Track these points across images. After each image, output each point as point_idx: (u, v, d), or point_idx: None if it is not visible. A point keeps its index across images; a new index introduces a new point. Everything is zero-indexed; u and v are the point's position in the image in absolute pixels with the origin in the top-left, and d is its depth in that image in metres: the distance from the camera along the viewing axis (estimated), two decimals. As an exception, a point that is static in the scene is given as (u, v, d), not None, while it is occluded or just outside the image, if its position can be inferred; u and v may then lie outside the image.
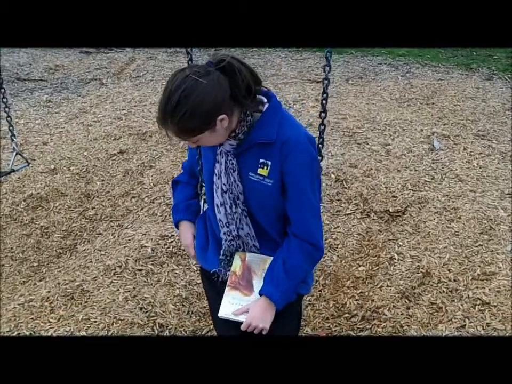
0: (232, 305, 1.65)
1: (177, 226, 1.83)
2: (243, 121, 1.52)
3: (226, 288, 1.67)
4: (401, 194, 3.39)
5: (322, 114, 1.80)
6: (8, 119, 3.09)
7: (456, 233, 2.98)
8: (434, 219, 3.12)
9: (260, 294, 1.61)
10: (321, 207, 1.67)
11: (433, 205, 3.26)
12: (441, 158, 3.87)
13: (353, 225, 3.17)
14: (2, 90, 3.03)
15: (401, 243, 2.95)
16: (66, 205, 3.59)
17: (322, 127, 1.82)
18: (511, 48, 5.89)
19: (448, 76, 5.83)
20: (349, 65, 6.28)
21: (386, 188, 3.46)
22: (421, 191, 3.42)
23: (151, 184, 3.72)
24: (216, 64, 1.42)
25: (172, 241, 3.05)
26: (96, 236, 3.32)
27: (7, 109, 3.06)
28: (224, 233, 1.68)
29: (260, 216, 1.63)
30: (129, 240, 3.12)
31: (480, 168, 3.73)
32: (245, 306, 1.63)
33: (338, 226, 3.19)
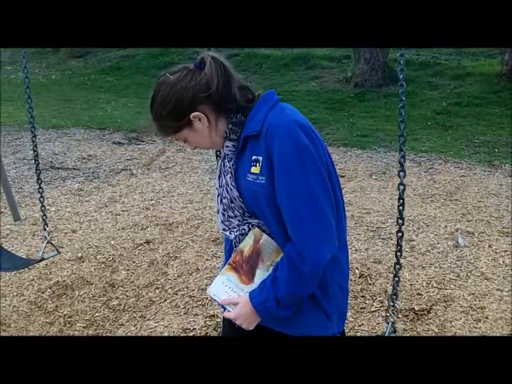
0: (224, 287, 1.51)
1: None
2: (231, 120, 1.46)
3: (226, 266, 1.52)
4: (426, 292, 3.35)
5: None
6: (43, 208, 3.22)
7: (484, 334, 2.90)
8: (460, 318, 3.05)
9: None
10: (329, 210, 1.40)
11: (459, 303, 3.20)
12: (466, 255, 3.84)
13: (377, 323, 3.11)
14: (39, 181, 3.19)
15: (427, 344, 2.88)
16: (91, 294, 3.63)
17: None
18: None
19: (471, 172, 5.90)
20: (372, 161, 6.43)
21: (411, 285, 3.43)
22: (446, 289, 3.38)
23: (175, 275, 3.75)
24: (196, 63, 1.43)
25: (193, 335, 3.02)
26: (118, 326, 3.31)
27: (41, 199, 3.20)
28: (233, 242, 1.53)
29: (264, 222, 1.46)
30: (151, 332, 3.11)
31: (506, 266, 3.68)
32: (235, 298, 1.49)
33: (362, 324, 3.13)
